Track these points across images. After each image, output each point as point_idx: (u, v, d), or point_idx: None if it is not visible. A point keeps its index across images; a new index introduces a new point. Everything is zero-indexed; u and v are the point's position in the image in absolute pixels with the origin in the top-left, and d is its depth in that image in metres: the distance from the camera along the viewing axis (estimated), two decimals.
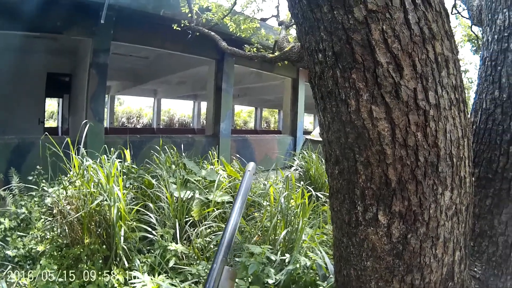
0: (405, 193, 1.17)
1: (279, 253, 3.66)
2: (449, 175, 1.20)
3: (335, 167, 1.29)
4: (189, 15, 8.57)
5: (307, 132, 16.30)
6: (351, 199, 1.25)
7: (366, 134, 1.14)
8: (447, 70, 1.18)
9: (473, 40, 11.51)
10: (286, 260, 3.51)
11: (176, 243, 3.90)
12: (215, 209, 4.45)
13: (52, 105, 27.39)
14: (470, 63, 17.37)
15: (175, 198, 4.40)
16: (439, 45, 1.15)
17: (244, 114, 42.42)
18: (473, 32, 10.34)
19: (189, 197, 4.51)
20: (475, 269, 1.65)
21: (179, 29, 8.64)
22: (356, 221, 1.25)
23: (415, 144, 1.13)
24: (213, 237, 4.19)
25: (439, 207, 1.21)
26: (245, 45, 9.07)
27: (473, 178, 1.37)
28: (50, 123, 25.40)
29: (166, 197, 4.38)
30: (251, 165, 1.38)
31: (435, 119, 1.14)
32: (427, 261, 1.24)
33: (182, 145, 6.46)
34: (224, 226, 4.10)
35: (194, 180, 4.97)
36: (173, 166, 5.41)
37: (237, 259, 3.53)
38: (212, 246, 4.05)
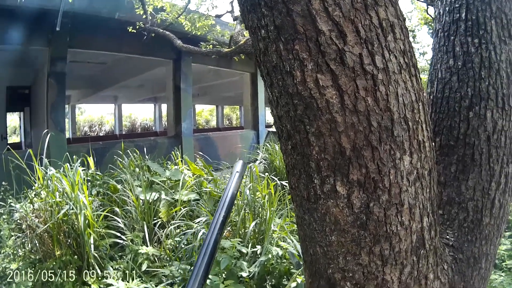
0: (361, 160, 1.14)
1: (250, 245, 3.65)
2: (406, 139, 1.19)
3: (288, 143, 1.26)
4: (144, 16, 8.52)
5: (270, 126, 16.48)
6: (307, 173, 1.22)
7: (315, 104, 1.12)
8: (394, 35, 1.17)
9: (429, 23, 11.74)
10: (258, 252, 3.50)
11: (147, 246, 3.86)
12: (182, 208, 4.45)
13: (14, 120, 26.78)
14: (428, 46, 17.65)
15: (141, 201, 4.36)
16: (383, 11, 1.14)
17: (205, 113, 42.68)
18: (429, 15, 10.54)
19: (155, 198, 4.48)
20: (448, 236, 1.65)
21: (135, 31, 8.59)
22: (315, 195, 1.22)
23: (366, 109, 1.11)
24: (183, 236, 4.14)
25: (399, 173, 1.19)
26: (201, 43, 9.08)
27: (433, 144, 1.37)
28: (13, 139, 24.79)
29: (132, 201, 4.33)
30: (239, 165, 1.08)
31: (384, 83, 1.13)
32: (394, 230, 1.22)
33: (145, 148, 6.45)
34: (194, 226, 4.05)
35: (159, 181, 4.96)
36: (137, 169, 5.37)
37: None
38: (182, 246, 3.99)
